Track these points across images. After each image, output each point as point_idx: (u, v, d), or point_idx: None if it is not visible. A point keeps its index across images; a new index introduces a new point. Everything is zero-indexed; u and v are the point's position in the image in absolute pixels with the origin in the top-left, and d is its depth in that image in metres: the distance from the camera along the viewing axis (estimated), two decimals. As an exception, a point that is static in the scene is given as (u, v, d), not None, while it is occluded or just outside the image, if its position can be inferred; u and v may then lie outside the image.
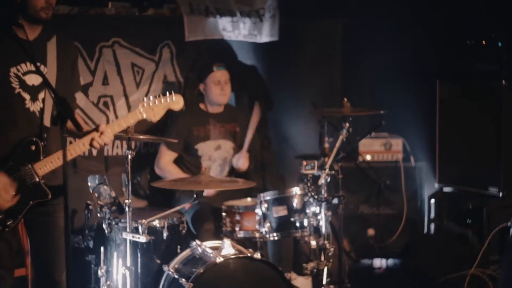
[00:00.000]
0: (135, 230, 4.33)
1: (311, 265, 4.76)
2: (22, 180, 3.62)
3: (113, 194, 4.69)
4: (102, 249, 4.58)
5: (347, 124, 4.78)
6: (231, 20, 5.64)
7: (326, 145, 4.82)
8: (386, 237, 5.84)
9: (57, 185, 3.72)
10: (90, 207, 5.04)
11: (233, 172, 5.45)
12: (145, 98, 3.86)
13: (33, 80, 3.65)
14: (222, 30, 5.68)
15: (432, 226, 5.84)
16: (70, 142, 4.49)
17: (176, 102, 3.92)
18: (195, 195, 4.55)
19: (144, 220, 4.34)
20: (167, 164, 5.34)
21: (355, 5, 5.94)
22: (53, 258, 3.80)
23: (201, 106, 5.45)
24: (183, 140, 5.31)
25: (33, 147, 3.63)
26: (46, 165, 3.63)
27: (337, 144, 4.76)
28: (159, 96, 3.87)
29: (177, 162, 5.40)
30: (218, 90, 5.32)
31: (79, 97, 5.55)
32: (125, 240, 4.31)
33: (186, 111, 5.42)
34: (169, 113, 5.74)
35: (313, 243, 4.58)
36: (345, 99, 4.95)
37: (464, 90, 5.60)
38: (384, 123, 4.97)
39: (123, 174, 5.34)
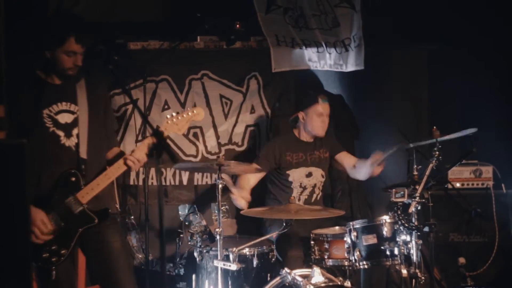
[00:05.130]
0: (226, 258, 4.40)
1: (402, 294, 4.70)
2: (68, 210, 3.86)
3: (204, 222, 4.79)
4: (193, 276, 4.67)
5: (437, 152, 4.73)
6: (317, 50, 5.69)
7: (415, 173, 4.78)
8: (478, 265, 5.72)
9: (102, 209, 3.97)
10: (181, 235, 5.16)
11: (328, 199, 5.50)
12: (168, 115, 4.11)
13: (66, 118, 3.93)
14: (308, 60, 5.73)
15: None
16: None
17: (198, 113, 4.16)
18: (284, 224, 4.60)
19: (234, 248, 4.40)
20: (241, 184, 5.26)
21: (440, 31, 5.89)
22: (117, 277, 3.98)
23: (295, 132, 5.50)
24: (273, 162, 5.35)
25: (73, 178, 3.89)
26: (88, 193, 3.89)
27: (427, 172, 4.71)
28: (181, 111, 4.13)
29: (268, 184, 5.47)
30: (320, 122, 5.36)
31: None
32: (216, 268, 4.39)
33: (280, 137, 5.51)
34: (257, 141, 5.91)
35: (404, 271, 4.50)
36: (434, 128, 4.90)
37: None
38: (475, 150, 4.89)
39: (213, 203, 5.47)
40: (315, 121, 5.36)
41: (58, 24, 3.94)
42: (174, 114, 4.10)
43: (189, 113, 4.12)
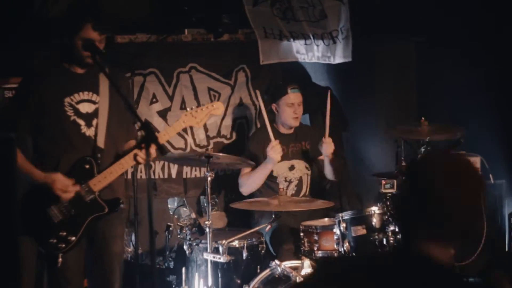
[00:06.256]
0: (216, 251, 4.41)
1: (391, 284, 4.71)
2: (80, 198, 3.92)
3: (193, 215, 4.80)
4: (183, 269, 4.67)
5: (425, 144, 4.76)
6: (305, 42, 5.69)
7: (404, 164, 4.80)
8: (465, 256, 5.74)
9: (113, 198, 4.03)
10: (171, 228, 5.17)
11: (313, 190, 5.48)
12: (188, 108, 4.19)
13: (87, 108, 4.01)
14: (296, 52, 5.73)
15: (513, 244, 5.71)
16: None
17: (217, 108, 4.25)
18: (273, 216, 4.61)
19: (224, 241, 4.41)
20: (245, 175, 5.28)
21: (429, 23, 5.90)
22: (107, 278, 4.09)
23: (274, 125, 5.45)
24: (261, 156, 5.29)
25: (87, 166, 3.96)
26: (100, 181, 3.95)
27: (415, 163, 4.73)
28: (201, 105, 4.28)
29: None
30: (291, 112, 5.34)
31: (158, 121, 5.72)
32: (206, 260, 4.40)
33: (260, 130, 5.50)
34: (246, 133, 5.91)
35: (393, 262, 4.53)
36: (423, 119, 4.92)
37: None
38: (463, 141, 4.91)
39: (202, 196, 5.47)
40: (287, 111, 5.33)
41: (74, 11, 4.02)
42: (193, 107, 4.18)
43: (208, 107, 4.19)
